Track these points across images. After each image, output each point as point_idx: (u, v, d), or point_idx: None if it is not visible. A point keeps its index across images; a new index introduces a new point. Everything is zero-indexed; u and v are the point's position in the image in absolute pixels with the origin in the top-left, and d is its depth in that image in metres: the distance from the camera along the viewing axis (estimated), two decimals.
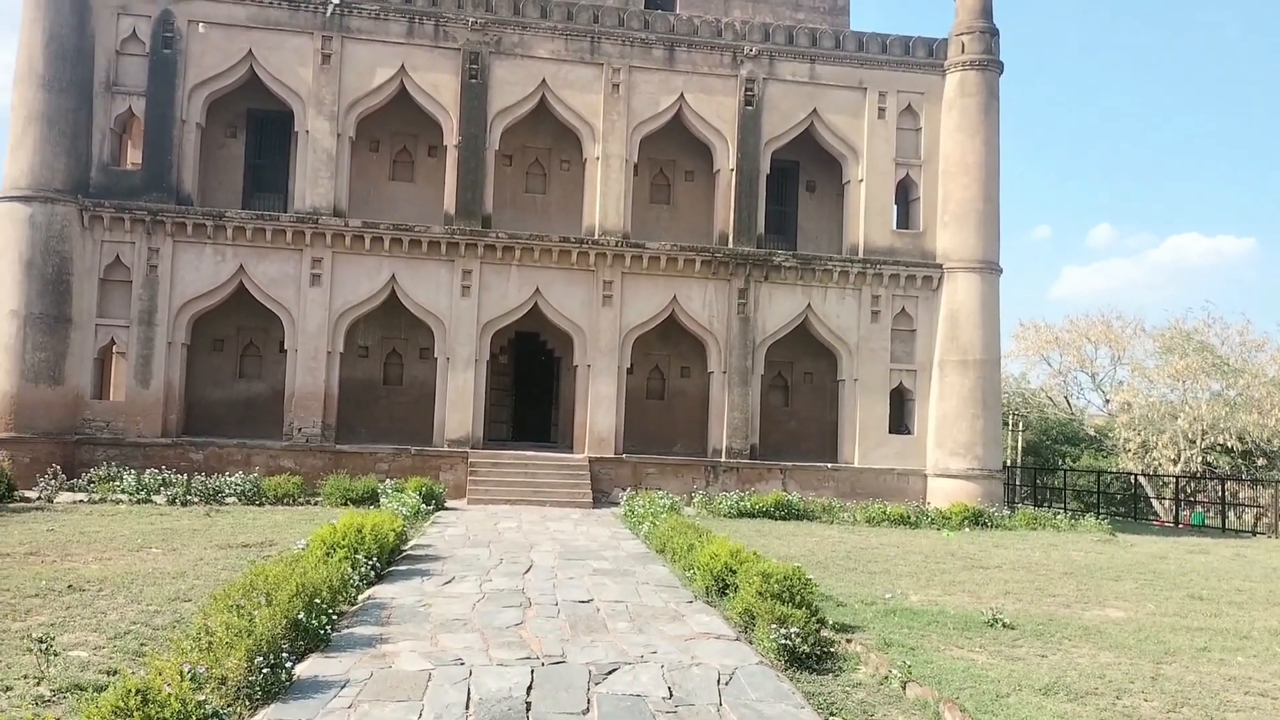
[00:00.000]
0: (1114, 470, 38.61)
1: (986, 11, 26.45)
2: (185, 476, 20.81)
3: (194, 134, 23.67)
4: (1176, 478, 35.14)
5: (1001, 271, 26.15)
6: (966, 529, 21.95)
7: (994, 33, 26.32)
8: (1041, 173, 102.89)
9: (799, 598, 9.46)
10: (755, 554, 11.52)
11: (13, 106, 22.64)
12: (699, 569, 11.77)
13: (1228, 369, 38.13)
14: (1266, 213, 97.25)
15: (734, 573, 10.87)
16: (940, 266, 25.89)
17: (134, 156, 24.63)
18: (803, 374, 28.08)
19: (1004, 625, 10.59)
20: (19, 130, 22.36)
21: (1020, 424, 42.87)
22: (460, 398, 24.09)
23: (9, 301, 22.00)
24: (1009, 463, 37.43)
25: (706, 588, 11.39)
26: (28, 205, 22.15)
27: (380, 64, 24.27)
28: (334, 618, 8.98)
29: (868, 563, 15.32)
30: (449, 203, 24.48)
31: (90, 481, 20.61)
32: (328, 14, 23.77)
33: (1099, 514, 28.30)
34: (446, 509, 20.76)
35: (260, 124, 26.00)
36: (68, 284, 22.41)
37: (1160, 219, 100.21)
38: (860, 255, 25.87)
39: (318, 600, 8.56)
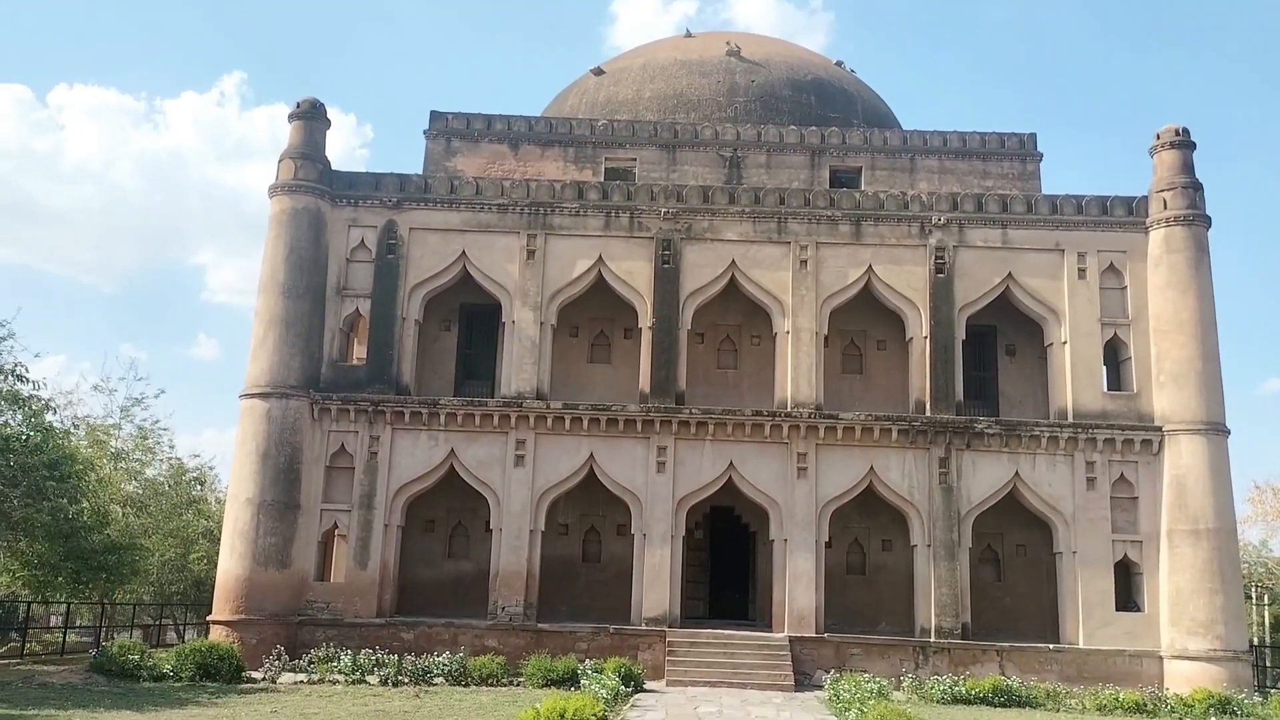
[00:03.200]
0: None
1: (1188, 167, 25.72)
2: (396, 656, 21.50)
3: (413, 330, 25.58)
4: None
5: (1229, 432, 24.40)
6: (1213, 718, 19.81)
7: (1198, 187, 25.48)
8: (1267, 323, 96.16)
9: None
10: None
11: (256, 312, 25.20)
12: None
13: None
14: None
15: None
16: (1160, 429, 24.41)
17: (359, 352, 26.73)
18: (1015, 546, 26.62)
19: None
20: (261, 333, 24.79)
21: (1265, 597, 38.77)
22: (657, 575, 24.11)
23: (245, 490, 23.90)
24: (1255, 641, 33.76)
25: None
26: (266, 401, 24.30)
27: (580, 256, 25.73)
28: None
29: None
30: (644, 382, 25.21)
31: (310, 662, 21.59)
32: None
33: None
34: (645, 690, 20.54)
35: (470, 317, 27.84)
36: (297, 472, 24.20)
37: None
38: (1069, 419, 24.75)
39: None
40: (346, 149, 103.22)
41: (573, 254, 25.76)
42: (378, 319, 25.38)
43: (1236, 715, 20.31)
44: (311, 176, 25.61)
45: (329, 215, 25.74)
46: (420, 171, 29.10)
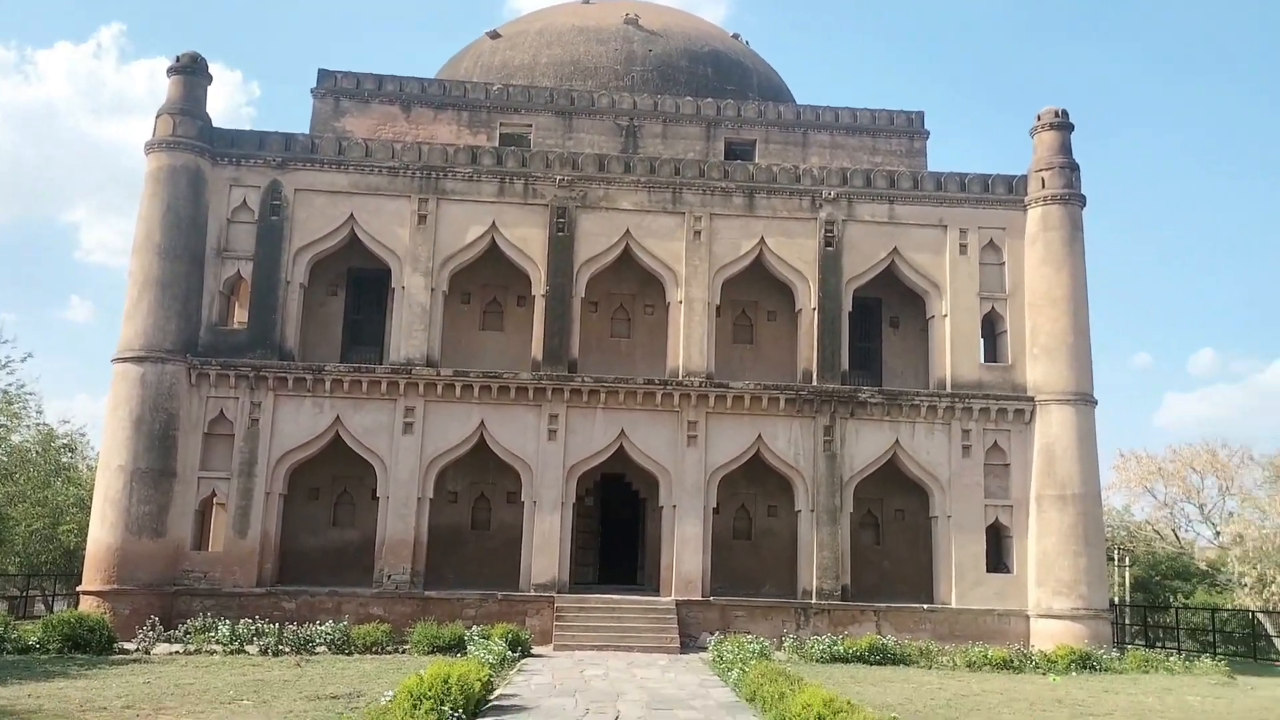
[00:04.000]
0: (1230, 607, 36.44)
1: (1066, 148, 26.70)
2: (278, 626, 21.05)
3: (297, 294, 24.93)
4: None
5: (1096, 403, 25.59)
6: (1074, 672, 20.88)
7: (1074, 167, 26.49)
8: (1139, 298, 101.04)
9: None
10: (849, 703, 11.21)
11: (130, 273, 24.20)
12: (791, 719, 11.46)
13: None
14: None
15: None
16: (1032, 399, 25.46)
17: (240, 316, 25.92)
18: (894, 511, 27.52)
19: None
20: (135, 295, 23.83)
21: (1126, 559, 40.97)
22: (546, 542, 24.17)
23: (117, 457, 23.01)
24: (1116, 601, 35.70)
25: None
26: (140, 366, 23.40)
27: (473, 222, 25.41)
28: None
29: (969, 711, 14.68)
30: (536, 349, 25.12)
31: (187, 632, 20.99)
32: None
33: (1216, 654, 26.64)
34: (533, 655, 20.62)
35: (359, 282, 27.25)
36: (173, 439, 23.41)
37: (1266, 342, 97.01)
38: (948, 390, 25.62)
39: None
40: (232, 106, 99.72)
41: (466, 220, 25.43)
42: (260, 282, 24.65)
43: (1096, 670, 21.45)
44: (191, 133, 24.65)
45: (209, 174, 24.84)
46: (307, 131, 28.27)
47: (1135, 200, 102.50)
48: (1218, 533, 39.81)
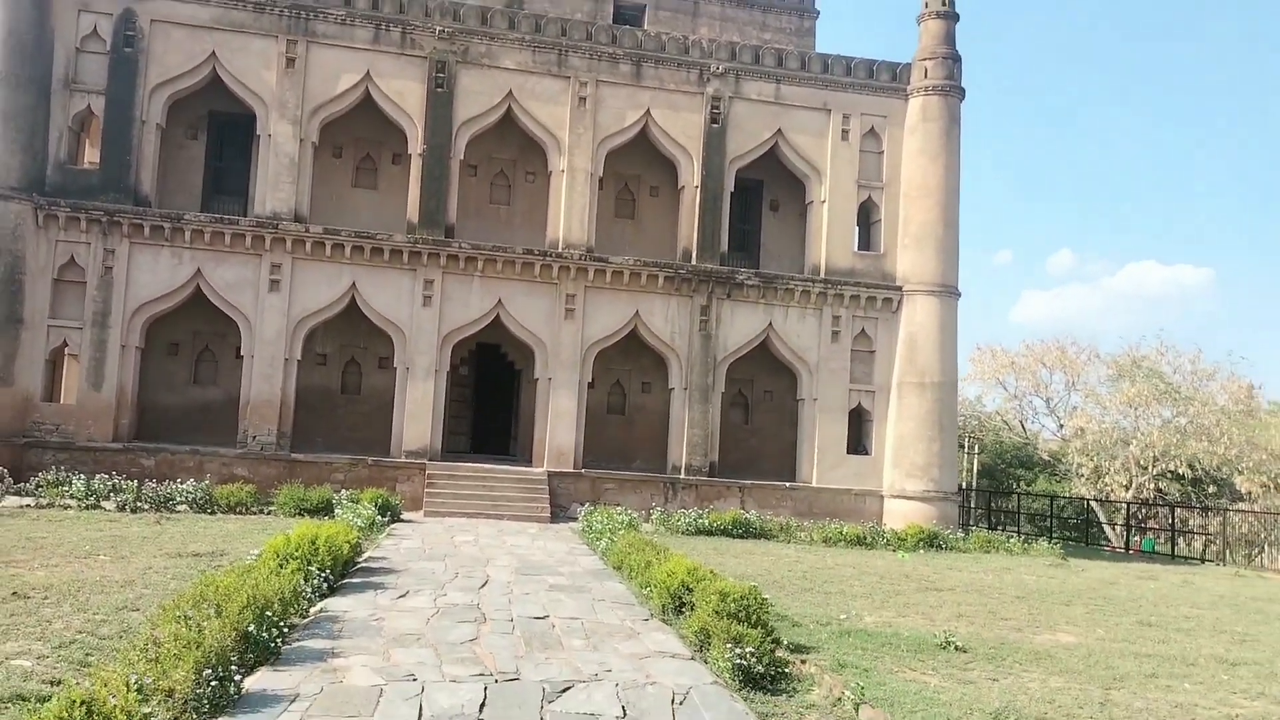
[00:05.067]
0: (1067, 495, 39.13)
1: (949, 38, 26.82)
2: (136, 483, 20.38)
3: (154, 134, 23.37)
4: (1128, 504, 35.67)
5: (960, 295, 26.46)
6: (921, 550, 22.10)
7: (956, 59, 26.70)
8: (1005, 197, 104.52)
9: (755, 617, 9.47)
10: (712, 572, 11.53)
11: None
12: (656, 587, 11.75)
13: (1178, 397, 38.78)
14: (1226, 243, 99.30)
15: (690, 591, 10.86)
16: (900, 289, 26.14)
17: (92, 156, 24.16)
18: (763, 392, 28.19)
19: (956, 648, 10.65)
20: None
21: (976, 447, 43.33)
22: (419, 408, 23.91)
23: None
24: (964, 485, 37.87)
25: (663, 606, 11.37)
26: None
27: (345, 69, 24.11)
28: (285, 630, 8.85)
29: (824, 583, 15.37)
30: (412, 211, 24.33)
31: (38, 486, 20.14)
32: None
33: (1052, 538, 28.66)
34: (402, 521, 20.57)
35: (222, 126, 25.72)
36: (20, 283, 21.98)
37: (1120, 246, 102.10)
38: (822, 275, 26.06)
39: (269, 613, 8.43)
40: None
41: (338, 66, 24.10)
42: (113, 119, 22.97)
43: (942, 549, 22.74)
44: None
45: None
46: None
47: (1009, 98, 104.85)
48: (1061, 425, 42.39)
